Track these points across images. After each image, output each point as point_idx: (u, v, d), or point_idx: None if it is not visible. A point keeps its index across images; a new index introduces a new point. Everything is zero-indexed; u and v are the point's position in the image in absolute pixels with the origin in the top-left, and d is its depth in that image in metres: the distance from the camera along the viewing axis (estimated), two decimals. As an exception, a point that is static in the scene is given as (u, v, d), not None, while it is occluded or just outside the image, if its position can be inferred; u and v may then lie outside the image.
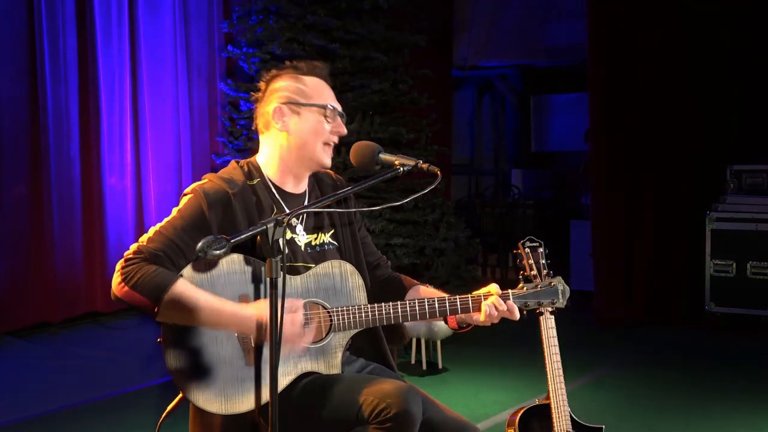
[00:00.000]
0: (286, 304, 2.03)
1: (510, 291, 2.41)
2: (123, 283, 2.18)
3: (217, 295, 2.23)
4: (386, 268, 2.61)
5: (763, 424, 4.15)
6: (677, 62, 6.38)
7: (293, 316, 2.21)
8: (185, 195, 2.33)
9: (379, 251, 2.65)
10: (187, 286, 2.20)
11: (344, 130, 2.44)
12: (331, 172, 2.59)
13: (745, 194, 6.24)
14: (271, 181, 2.42)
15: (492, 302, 2.34)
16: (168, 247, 2.23)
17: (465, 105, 10.80)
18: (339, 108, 2.43)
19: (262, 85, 2.47)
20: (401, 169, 2.27)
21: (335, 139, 2.43)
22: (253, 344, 2.25)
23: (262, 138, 2.46)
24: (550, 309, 2.52)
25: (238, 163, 2.44)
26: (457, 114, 10.13)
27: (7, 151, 5.70)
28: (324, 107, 2.39)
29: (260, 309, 2.21)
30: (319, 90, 2.42)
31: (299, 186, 2.47)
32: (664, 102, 6.40)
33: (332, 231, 2.49)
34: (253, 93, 2.50)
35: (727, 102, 6.53)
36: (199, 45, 6.80)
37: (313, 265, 2.38)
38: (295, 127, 2.39)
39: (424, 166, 2.27)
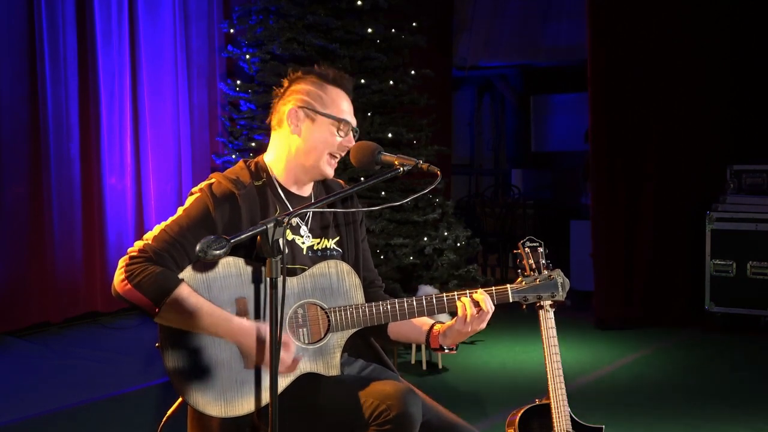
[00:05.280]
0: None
1: (508, 285, 2.40)
2: (126, 281, 2.18)
3: (213, 297, 2.23)
4: (378, 290, 2.58)
5: (763, 425, 4.15)
6: (677, 62, 6.38)
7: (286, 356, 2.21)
8: (192, 194, 2.33)
9: (376, 270, 2.62)
10: (189, 291, 2.20)
11: (351, 145, 2.40)
12: (341, 181, 2.58)
13: (745, 194, 6.23)
14: (278, 182, 2.41)
15: (464, 302, 2.33)
16: (173, 247, 2.23)
17: (465, 105, 10.81)
18: (354, 124, 2.42)
19: (285, 82, 2.45)
20: (401, 169, 2.27)
21: (342, 153, 2.41)
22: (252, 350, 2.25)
23: (273, 134, 2.45)
24: (549, 302, 2.51)
25: (245, 162, 2.44)
26: (457, 114, 10.14)
27: (7, 151, 5.70)
28: (339, 120, 2.37)
29: (258, 329, 2.21)
30: (339, 102, 2.40)
31: (305, 189, 2.46)
32: (664, 102, 6.40)
33: (337, 238, 2.48)
34: (275, 88, 2.48)
35: (727, 102, 6.53)
36: (199, 45, 6.81)
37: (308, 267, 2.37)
38: (306, 132, 2.37)
39: (424, 166, 2.26)
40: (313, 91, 2.39)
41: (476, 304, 2.32)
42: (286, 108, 2.39)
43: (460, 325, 2.33)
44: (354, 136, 2.43)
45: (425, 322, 2.46)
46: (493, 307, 2.35)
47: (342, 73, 2.45)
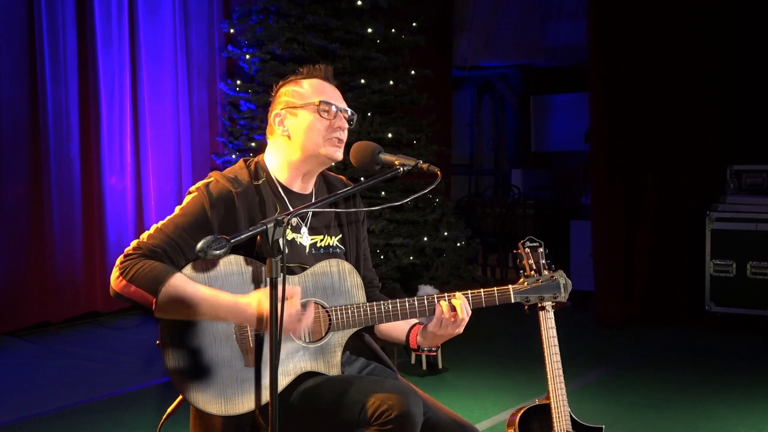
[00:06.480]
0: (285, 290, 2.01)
1: (510, 286, 2.40)
2: (121, 277, 2.19)
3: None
4: (375, 290, 2.58)
5: (763, 424, 4.15)
6: (677, 62, 6.38)
7: (290, 305, 2.18)
8: (190, 193, 2.34)
9: (374, 270, 2.63)
10: (183, 279, 2.20)
11: (344, 124, 2.40)
12: (343, 177, 2.58)
13: (745, 194, 6.23)
14: (277, 181, 2.41)
15: (441, 305, 2.32)
16: (167, 244, 2.23)
17: (465, 105, 10.81)
18: (337, 103, 2.41)
19: (272, 95, 2.50)
20: (401, 169, 2.26)
21: (339, 135, 2.39)
22: (251, 341, 2.24)
23: (269, 142, 2.47)
24: (551, 303, 2.50)
25: (246, 161, 2.45)
26: (457, 114, 10.14)
27: (7, 151, 5.71)
28: (317, 103, 2.38)
29: (258, 299, 2.19)
30: (315, 89, 2.42)
31: (306, 186, 2.46)
32: (664, 102, 6.40)
33: (340, 235, 2.48)
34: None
35: (727, 102, 6.53)
36: (199, 45, 6.81)
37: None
38: (293, 128, 2.39)
39: (424, 166, 2.26)
40: (290, 91, 2.43)
41: (452, 308, 2.32)
42: (271, 116, 2.44)
43: (436, 328, 2.34)
44: (345, 116, 2.41)
45: (408, 321, 2.45)
46: (470, 313, 2.34)
47: (317, 66, 2.47)
